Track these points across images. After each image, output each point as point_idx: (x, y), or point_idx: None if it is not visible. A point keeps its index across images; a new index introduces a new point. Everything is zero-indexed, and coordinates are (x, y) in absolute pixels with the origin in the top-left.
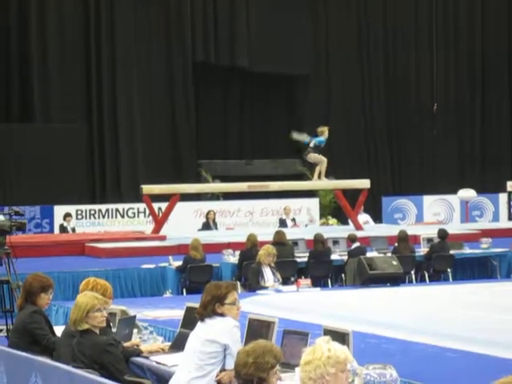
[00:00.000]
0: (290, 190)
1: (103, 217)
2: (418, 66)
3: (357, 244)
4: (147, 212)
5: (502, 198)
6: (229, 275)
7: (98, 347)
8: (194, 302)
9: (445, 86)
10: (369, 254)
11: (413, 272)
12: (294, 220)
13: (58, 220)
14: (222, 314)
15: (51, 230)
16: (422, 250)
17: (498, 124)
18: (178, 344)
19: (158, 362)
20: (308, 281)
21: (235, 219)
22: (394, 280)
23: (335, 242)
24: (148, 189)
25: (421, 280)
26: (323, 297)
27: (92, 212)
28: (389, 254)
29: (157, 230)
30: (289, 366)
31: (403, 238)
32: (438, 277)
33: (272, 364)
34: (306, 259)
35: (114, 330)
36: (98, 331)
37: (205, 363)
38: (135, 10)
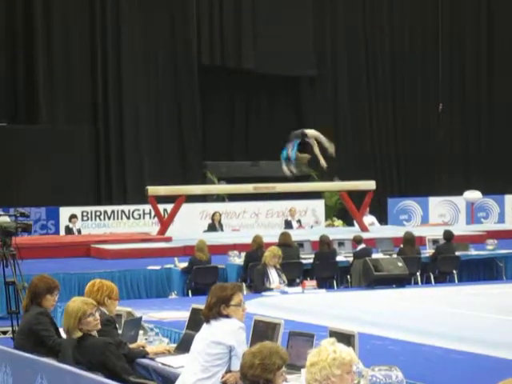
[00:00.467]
0: (295, 192)
1: (109, 218)
2: (424, 67)
3: (362, 245)
4: (153, 213)
5: (508, 199)
6: (234, 277)
7: (97, 349)
8: (200, 303)
9: (450, 87)
10: (374, 256)
11: (418, 273)
12: (299, 221)
13: (64, 221)
14: (227, 316)
15: (57, 232)
16: (428, 252)
17: (504, 125)
18: (184, 345)
19: (163, 364)
20: (313, 282)
21: (241, 220)
22: (400, 281)
23: (341, 243)
24: (154, 190)
25: (426, 281)
26: (329, 298)
27: (98, 213)
28: (394, 256)
29: (162, 231)
30: (294, 368)
31: (410, 239)
32: (443, 278)
33: (279, 365)
34: (311, 261)
35: (119, 331)
36: (95, 333)
37: (210, 365)
38: (141, 14)
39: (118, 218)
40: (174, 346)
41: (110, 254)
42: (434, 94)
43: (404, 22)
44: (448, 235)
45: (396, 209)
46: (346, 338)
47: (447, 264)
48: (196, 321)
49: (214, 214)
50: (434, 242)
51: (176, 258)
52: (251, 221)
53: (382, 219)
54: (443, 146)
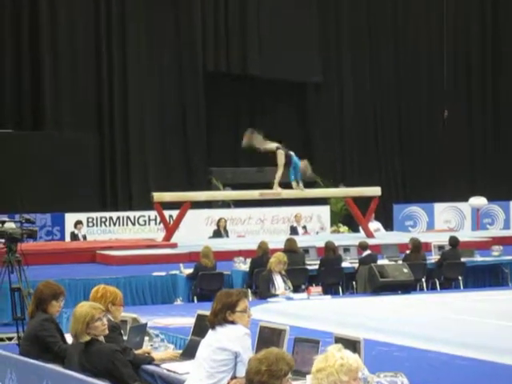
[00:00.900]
0: (301, 198)
1: (114, 224)
2: (430, 71)
3: (368, 252)
4: (158, 219)
5: None
6: (240, 283)
7: (104, 355)
8: (205, 309)
9: (456, 94)
10: (380, 262)
11: (424, 280)
12: (304, 227)
13: (69, 227)
14: (232, 322)
15: (62, 238)
16: (433, 258)
17: (510, 133)
18: (189, 352)
19: (169, 370)
20: (319, 288)
21: (246, 227)
22: (405, 288)
23: (346, 249)
24: (159, 196)
25: (432, 288)
26: (334, 304)
27: (103, 219)
28: (400, 262)
29: (168, 237)
30: (300, 374)
31: (416, 246)
32: (449, 284)
33: (285, 371)
34: (316, 267)
35: (125, 337)
36: (102, 338)
37: (216, 371)
38: (146, 20)
39: (123, 224)
40: (180, 352)
41: (116, 260)
42: (439, 100)
43: (408, 26)
44: (454, 241)
45: (401, 215)
46: (351, 344)
47: (453, 270)
48: (201, 327)
49: (219, 220)
50: (440, 248)
51: (181, 264)
52: (256, 227)
53: (388, 225)
54: (449, 152)
